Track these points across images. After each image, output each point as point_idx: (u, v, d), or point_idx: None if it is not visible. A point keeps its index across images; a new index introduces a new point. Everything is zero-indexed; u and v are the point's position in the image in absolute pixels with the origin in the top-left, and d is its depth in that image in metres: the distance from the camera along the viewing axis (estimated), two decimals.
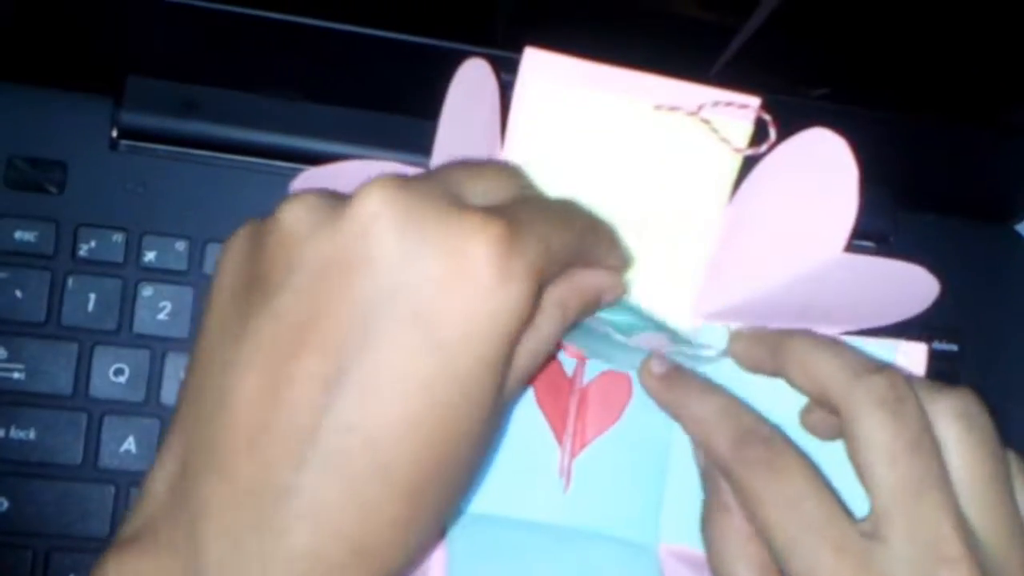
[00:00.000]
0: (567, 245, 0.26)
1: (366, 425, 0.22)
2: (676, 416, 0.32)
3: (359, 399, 0.22)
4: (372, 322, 0.23)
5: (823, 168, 0.30)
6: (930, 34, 0.41)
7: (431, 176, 0.25)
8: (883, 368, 0.29)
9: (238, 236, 0.26)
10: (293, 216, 0.24)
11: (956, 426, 0.28)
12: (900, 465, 0.27)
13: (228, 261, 0.25)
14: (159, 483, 0.25)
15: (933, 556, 0.26)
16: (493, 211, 0.24)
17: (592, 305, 0.29)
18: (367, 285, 0.23)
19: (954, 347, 0.40)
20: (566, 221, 0.26)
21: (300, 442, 0.22)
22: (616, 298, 0.31)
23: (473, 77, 0.33)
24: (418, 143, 0.41)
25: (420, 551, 0.25)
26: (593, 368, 0.34)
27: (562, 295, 0.28)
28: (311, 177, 0.35)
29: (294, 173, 0.41)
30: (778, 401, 0.33)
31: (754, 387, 0.33)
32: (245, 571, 0.22)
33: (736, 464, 0.29)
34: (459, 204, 0.24)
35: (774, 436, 0.30)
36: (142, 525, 0.24)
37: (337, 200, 0.24)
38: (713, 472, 0.31)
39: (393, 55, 0.42)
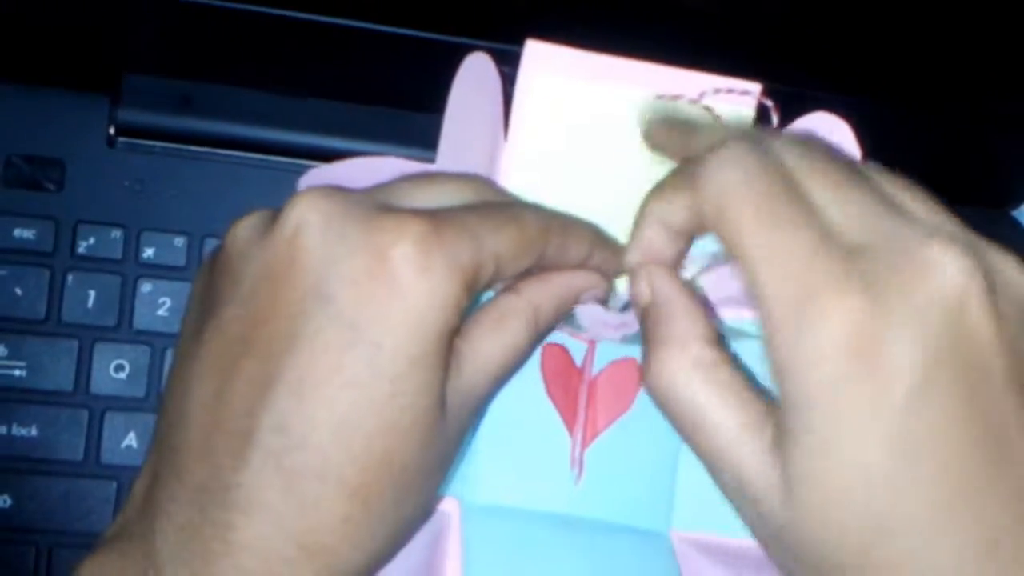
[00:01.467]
0: (515, 244, 0.26)
1: (297, 425, 0.23)
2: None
3: (289, 400, 0.23)
4: (300, 324, 0.24)
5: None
6: (927, 20, 0.41)
7: (370, 188, 0.26)
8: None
9: (203, 262, 0.27)
10: (235, 235, 0.26)
11: (795, 151, 0.25)
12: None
13: (194, 285, 0.28)
14: (137, 491, 0.26)
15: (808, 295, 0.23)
16: (419, 212, 0.24)
17: (569, 305, 0.29)
18: (294, 289, 0.24)
19: None
20: (515, 221, 0.26)
21: (241, 443, 0.23)
22: (599, 297, 0.30)
23: (476, 71, 0.33)
24: (415, 137, 0.41)
25: (387, 547, 0.26)
26: (603, 358, 0.34)
27: (533, 297, 0.28)
28: (317, 175, 0.35)
29: (291, 168, 0.41)
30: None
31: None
32: (194, 564, 0.23)
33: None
34: (384, 208, 0.25)
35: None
36: (117, 528, 0.26)
37: (276, 215, 0.25)
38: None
39: (390, 49, 0.42)
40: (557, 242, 0.28)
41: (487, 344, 0.27)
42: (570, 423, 0.33)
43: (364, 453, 0.24)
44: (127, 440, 0.39)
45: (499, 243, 0.26)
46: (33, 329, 0.39)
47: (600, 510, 0.33)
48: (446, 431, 0.26)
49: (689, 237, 0.28)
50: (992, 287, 0.22)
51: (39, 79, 0.40)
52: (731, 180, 0.24)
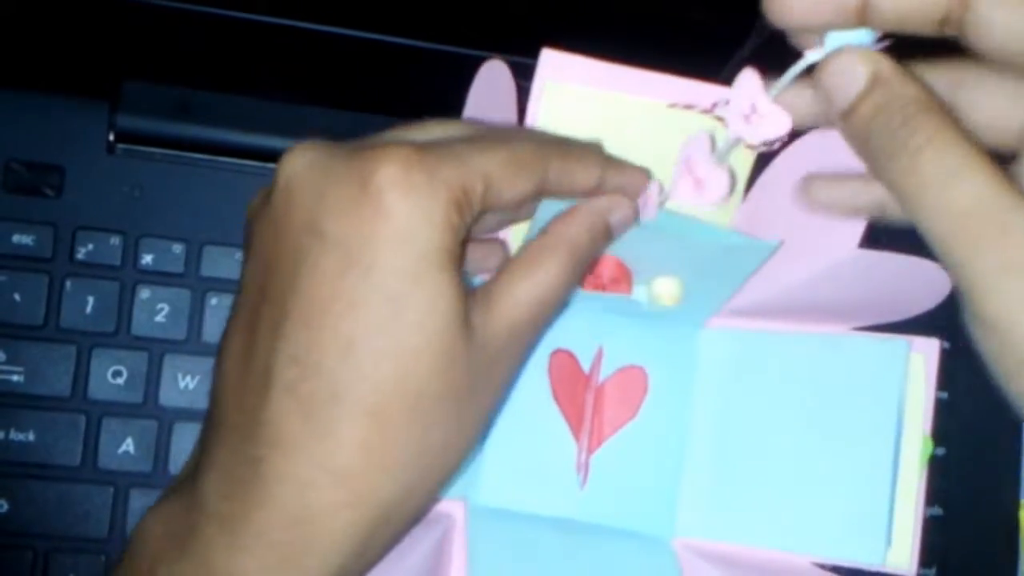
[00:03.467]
0: (505, 164, 0.26)
1: (308, 354, 0.24)
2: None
3: (298, 332, 0.24)
4: (300, 260, 0.25)
5: (836, 163, 0.30)
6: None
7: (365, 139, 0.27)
8: None
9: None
10: (249, 207, 0.28)
11: None
12: None
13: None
14: (194, 449, 0.28)
15: None
16: (403, 140, 0.25)
17: (603, 236, 0.29)
18: (292, 230, 0.25)
19: (946, 344, 0.40)
20: (506, 143, 0.27)
21: (264, 381, 0.25)
22: (627, 222, 0.30)
23: (492, 78, 0.33)
24: None
25: (416, 478, 0.26)
26: (610, 364, 0.34)
27: (563, 232, 0.28)
28: None
29: None
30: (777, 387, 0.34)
31: (753, 377, 0.34)
32: (231, 498, 0.25)
33: None
34: (370, 143, 0.26)
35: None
36: (175, 481, 0.28)
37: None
38: None
39: (388, 59, 0.42)
40: (558, 165, 0.28)
41: (522, 282, 0.27)
42: (576, 429, 0.34)
43: (374, 374, 0.24)
44: (124, 445, 0.39)
45: (487, 163, 0.26)
46: (31, 334, 0.39)
47: (604, 515, 0.34)
48: (476, 362, 0.26)
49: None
50: None
51: (39, 85, 0.41)
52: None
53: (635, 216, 0.30)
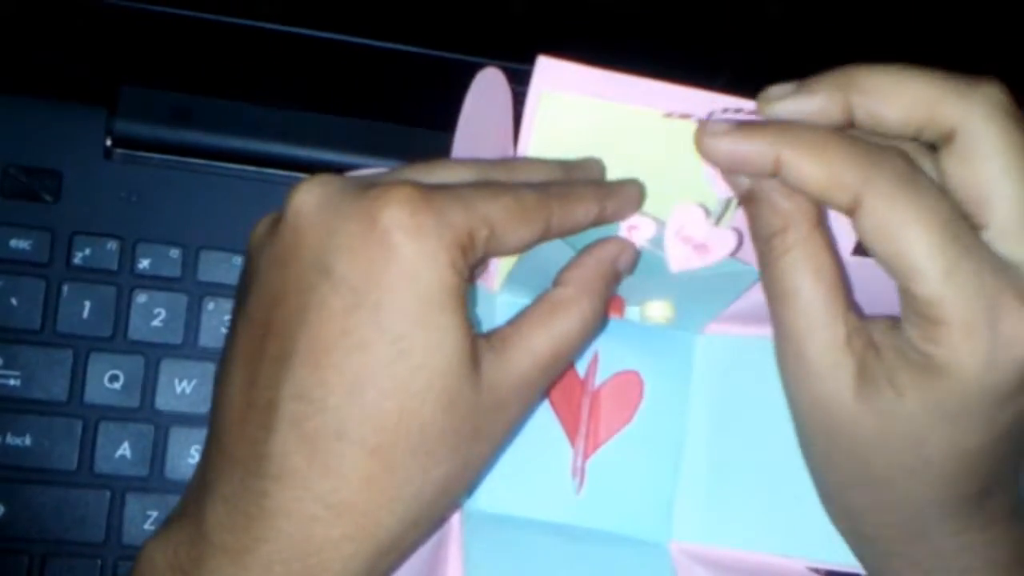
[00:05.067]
0: (509, 211, 0.27)
1: (313, 391, 0.25)
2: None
3: (304, 368, 0.25)
4: (307, 297, 0.25)
5: None
6: (922, 40, 0.42)
7: (370, 174, 0.28)
8: (988, 79, 0.25)
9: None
10: (253, 234, 0.28)
11: None
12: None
13: (236, 291, 0.29)
14: (194, 476, 0.28)
15: None
16: (410, 180, 0.26)
17: (614, 281, 0.30)
18: (300, 267, 0.25)
19: None
20: (510, 190, 0.27)
21: (268, 416, 0.25)
22: (632, 263, 0.30)
23: (488, 87, 0.33)
24: (409, 151, 0.42)
25: (418, 513, 0.26)
26: (606, 370, 0.35)
27: (579, 285, 0.29)
28: None
29: (288, 181, 0.41)
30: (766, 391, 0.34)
31: (743, 376, 0.34)
32: (237, 531, 0.25)
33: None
34: (377, 183, 0.26)
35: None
36: (176, 510, 0.28)
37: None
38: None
39: (387, 66, 0.42)
40: (560, 209, 0.28)
41: (536, 332, 0.28)
42: (572, 434, 0.34)
43: (378, 412, 0.25)
44: (121, 450, 0.40)
45: (493, 210, 0.26)
46: (28, 339, 0.39)
47: (600, 520, 0.34)
48: (483, 405, 0.26)
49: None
50: None
51: (37, 91, 0.41)
52: (908, 194, 0.25)
53: (636, 255, 0.31)
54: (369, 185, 0.26)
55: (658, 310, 0.34)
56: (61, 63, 0.41)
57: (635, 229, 0.30)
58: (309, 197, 0.26)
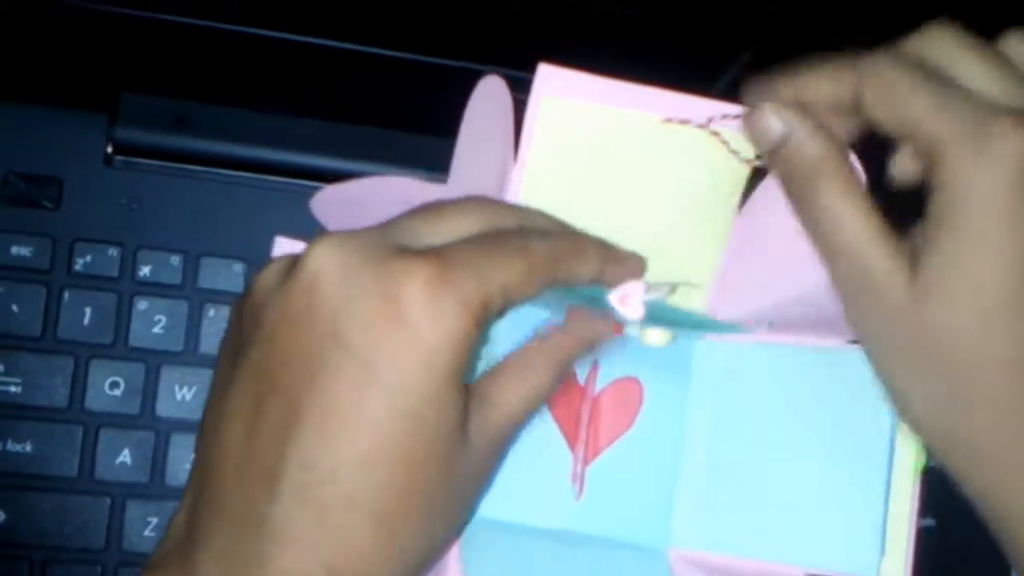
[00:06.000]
0: (522, 275, 0.27)
1: (323, 460, 0.25)
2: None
3: (313, 438, 0.25)
4: (319, 366, 0.25)
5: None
6: None
7: (382, 226, 0.27)
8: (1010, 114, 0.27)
9: (236, 302, 0.29)
10: (260, 280, 0.27)
11: (958, 41, 0.29)
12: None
13: (229, 324, 0.29)
14: (178, 521, 0.28)
15: None
16: (427, 253, 0.26)
17: (588, 351, 0.32)
18: (313, 333, 0.25)
19: None
20: (522, 253, 0.28)
21: (271, 478, 0.25)
22: (611, 341, 0.32)
23: (488, 94, 0.33)
24: (409, 157, 0.42)
25: (417, 566, 0.27)
26: (606, 376, 0.35)
27: (556, 345, 0.30)
28: (328, 195, 0.35)
29: (288, 188, 0.42)
30: (774, 402, 0.34)
31: (745, 387, 0.34)
32: None
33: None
34: (395, 250, 0.26)
35: None
36: (158, 559, 0.27)
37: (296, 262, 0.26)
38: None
39: (387, 73, 0.42)
40: (566, 266, 0.29)
41: (513, 388, 0.29)
42: (572, 440, 0.34)
43: (387, 485, 0.25)
44: (121, 456, 0.40)
45: (507, 276, 0.27)
46: (29, 346, 0.39)
47: (599, 527, 0.34)
48: (470, 463, 0.27)
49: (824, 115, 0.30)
50: None
51: (38, 98, 0.41)
52: (897, 66, 0.28)
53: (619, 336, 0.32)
54: (387, 253, 0.26)
55: (656, 337, 0.34)
56: (61, 70, 0.42)
57: (627, 299, 0.31)
58: (328, 262, 0.26)
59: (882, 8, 0.38)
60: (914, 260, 0.28)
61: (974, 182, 0.26)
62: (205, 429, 0.28)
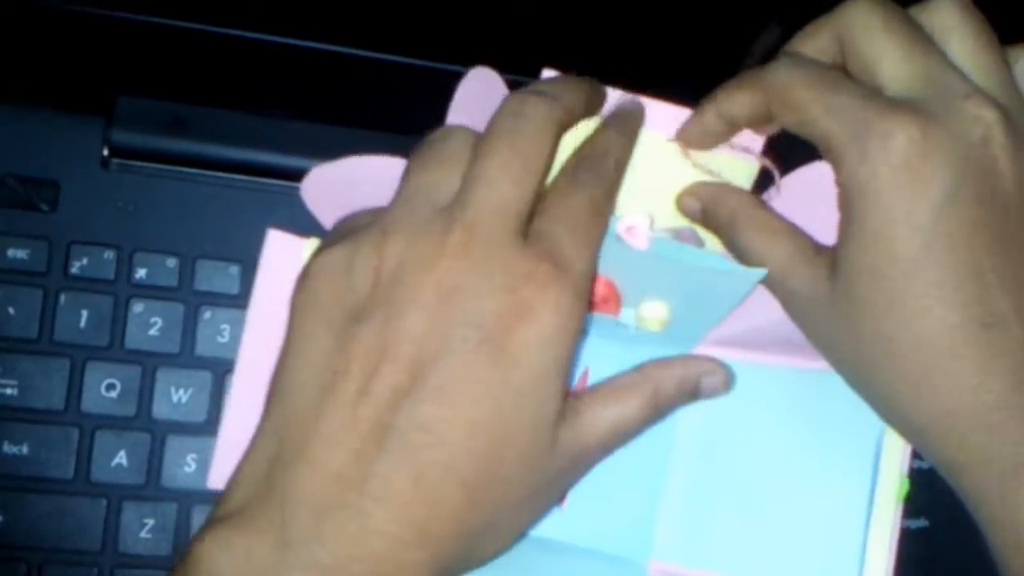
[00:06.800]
0: (602, 227, 0.30)
1: (437, 425, 0.27)
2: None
3: (433, 403, 0.27)
4: (448, 343, 0.27)
5: (824, 201, 0.31)
6: None
7: (495, 206, 0.28)
8: None
9: (333, 254, 0.29)
10: (394, 251, 0.28)
11: (956, 15, 0.31)
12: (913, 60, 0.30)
13: (323, 276, 0.29)
14: (253, 469, 0.28)
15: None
16: (542, 252, 0.28)
17: (690, 394, 0.33)
18: (447, 319, 0.27)
19: None
20: (598, 215, 0.30)
21: (382, 437, 0.27)
22: (717, 389, 0.33)
23: (479, 87, 0.33)
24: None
25: (475, 552, 0.29)
26: (594, 383, 0.35)
27: (653, 376, 0.32)
28: (320, 175, 0.35)
29: (284, 190, 0.42)
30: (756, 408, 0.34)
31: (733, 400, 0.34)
32: (325, 544, 0.26)
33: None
34: (518, 243, 0.28)
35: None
36: (237, 507, 0.28)
37: (430, 231, 0.28)
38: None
39: (382, 75, 0.42)
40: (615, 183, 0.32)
41: (603, 409, 0.30)
42: None
43: (484, 455, 0.27)
44: (117, 458, 0.40)
45: (598, 241, 0.30)
46: (25, 348, 0.40)
47: (581, 536, 0.34)
48: (549, 467, 0.29)
49: (734, 130, 0.33)
50: (1014, 133, 0.29)
51: (34, 100, 0.41)
52: (794, 73, 0.30)
53: (726, 386, 0.33)
54: (512, 247, 0.28)
55: (653, 310, 0.34)
56: (58, 73, 0.42)
57: (633, 229, 0.31)
58: (458, 260, 0.28)
59: None
60: (833, 267, 0.30)
61: (864, 182, 0.28)
62: (293, 380, 0.28)
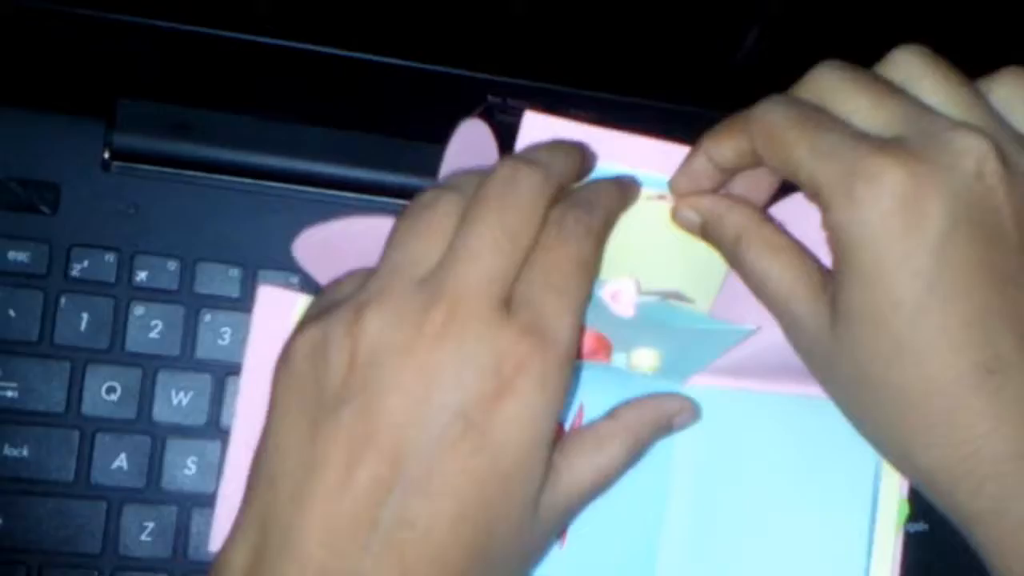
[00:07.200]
0: (583, 300, 0.29)
1: (423, 520, 0.26)
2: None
3: (417, 496, 0.26)
4: (429, 430, 0.26)
5: (814, 227, 0.31)
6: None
7: (478, 281, 0.28)
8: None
9: (310, 333, 0.28)
10: (366, 333, 0.27)
11: (919, 62, 0.30)
12: None
13: (300, 357, 0.28)
14: (233, 559, 0.28)
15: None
16: (526, 325, 0.27)
17: (663, 432, 0.33)
18: (427, 402, 0.27)
19: None
20: (579, 283, 0.29)
21: (364, 534, 0.26)
22: (688, 422, 0.34)
23: (469, 140, 0.33)
24: (407, 164, 0.42)
25: None
26: (591, 419, 0.35)
27: (630, 422, 0.32)
28: (312, 236, 0.34)
29: (285, 194, 0.42)
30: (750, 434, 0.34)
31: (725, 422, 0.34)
32: None
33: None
34: (501, 318, 0.27)
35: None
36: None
37: (409, 309, 0.27)
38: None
39: (385, 80, 0.42)
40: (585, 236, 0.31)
41: (583, 463, 0.30)
42: None
43: (472, 543, 0.27)
44: (118, 461, 0.40)
45: (576, 315, 0.29)
46: (26, 351, 0.40)
47: (583, 573, 0.34)
48: (535, 533, 0.29)
49: (728, 174, 0.32)
50: (1006, 162, 0.27)
51: (35, 103, 0.41)
52: (778, 113, 0.29)
53: (695, 418, 0.34)
54: (492, 321, 0.27)
55: (644, 358, 0.34)
56: (60, 76, 0.42)
57: (618, 295, 0.32)
58: (442, 341, 0.27)
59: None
60: (834, 299, 0.29)
61: (854, 227, 0.27)
62: (275, 468, 0.28)
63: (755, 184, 0.33)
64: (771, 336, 0.32)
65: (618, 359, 0.34)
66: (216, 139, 0.42)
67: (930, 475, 0.29)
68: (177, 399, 0.40)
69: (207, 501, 0.40)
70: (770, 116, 0.30)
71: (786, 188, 0.32)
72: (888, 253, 0.27)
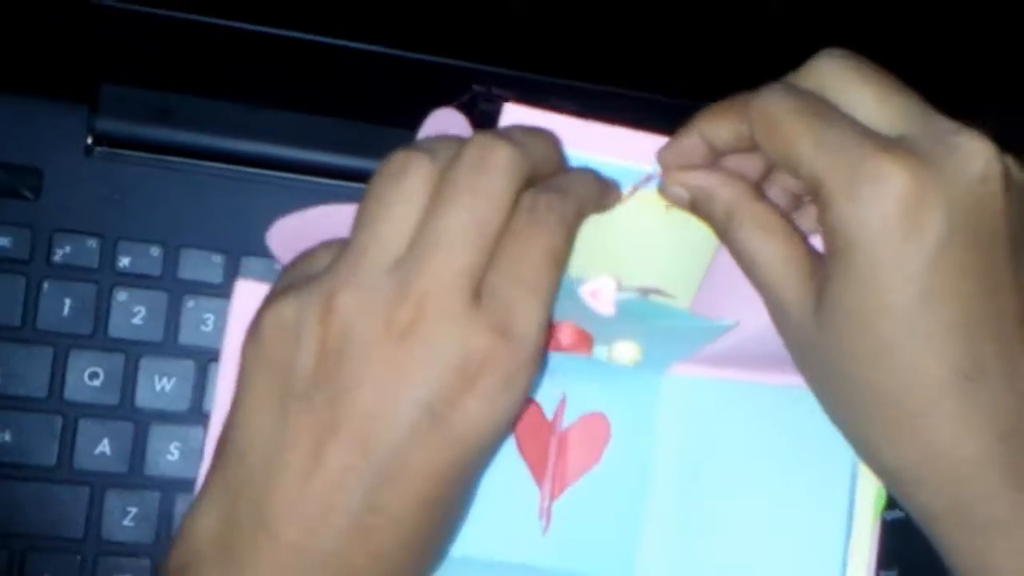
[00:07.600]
0: (553, 291, 0.29)
1: (391, 506, 0.27)
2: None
3: (385, 484, 0.27)
4: (397, 425, 0.27)
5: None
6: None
7: (447, 275, 0.27)
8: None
9: (282, 309, 0.28)
10: (340, 320, 0.27)
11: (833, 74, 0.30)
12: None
13: (271, 333, 0.28)
14: (202, 525, 0.28)
15: None
16: (494, 324, 0.27)
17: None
18: (399, 398, 0.27)
19: None
20: (550, 287, 0.29)
21: (335, 516, 0.27)
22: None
23: (446, 128, 0.33)
24: (387, 151, 0.42)
25: None
26: (573, 411, 0.35)
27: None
28: (286, 225, 0.34)
29: (268, 180, 0.42)
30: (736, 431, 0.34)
31: (710, 415, 0.34)
32: None
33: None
34: (470, 313, 0.27)
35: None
36: (187, 562, 0.28)
37: (379, 299, 0.27)
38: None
39: (365, 66, 0.42)
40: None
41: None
42: (539, 475, 0.34)
43: (435, 525, 0.28)
44: (100, 446, 0.40)
45: (545, 311, 0.29)
46: (8, 336, 0.40)
47: (566, 561, 0.34)
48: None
49: (717, 156, 0.32)
50: (1006, 166, 0.27)
51: (18, 88, 0.41)
52: (781, 102, 0.29)
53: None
54: (467, 326, 0.27)
55: (626, 351, 0.34)
56: (42, 61, 0.41)
57: (598, 293, 0.32)
58: (424, 341, 0.27)
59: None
60: (822, 289, 0.29)
61: (854, 227, 0.27)
62: (244, 443, 0.28)
63: (747, 161, 0.32)
64: (754, 326, 0.33)
65: (599, 352, 0.34)
66: (201, 125, 0.42)
67: (896, 473, 0.29)
68: (160, 385, 0.40)
69: (190, 486, 0.40)
70: (773, 105, 0.29)
71: None
72: (884, 256, 0.27)
